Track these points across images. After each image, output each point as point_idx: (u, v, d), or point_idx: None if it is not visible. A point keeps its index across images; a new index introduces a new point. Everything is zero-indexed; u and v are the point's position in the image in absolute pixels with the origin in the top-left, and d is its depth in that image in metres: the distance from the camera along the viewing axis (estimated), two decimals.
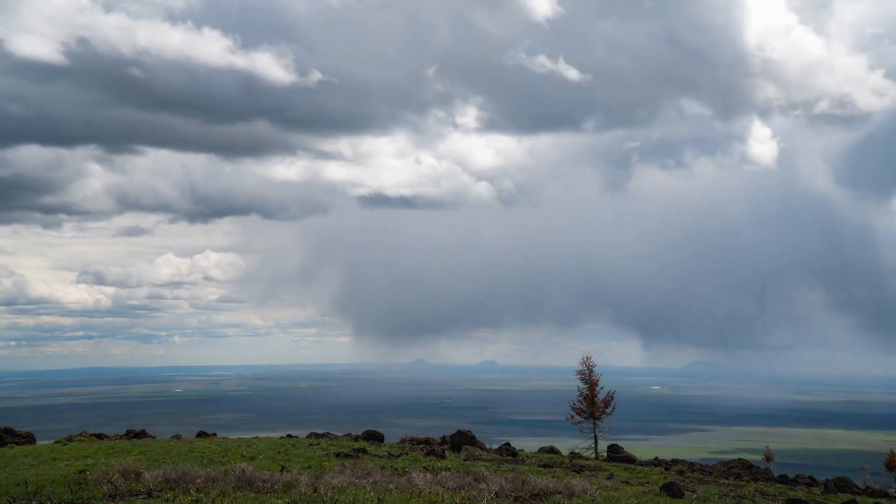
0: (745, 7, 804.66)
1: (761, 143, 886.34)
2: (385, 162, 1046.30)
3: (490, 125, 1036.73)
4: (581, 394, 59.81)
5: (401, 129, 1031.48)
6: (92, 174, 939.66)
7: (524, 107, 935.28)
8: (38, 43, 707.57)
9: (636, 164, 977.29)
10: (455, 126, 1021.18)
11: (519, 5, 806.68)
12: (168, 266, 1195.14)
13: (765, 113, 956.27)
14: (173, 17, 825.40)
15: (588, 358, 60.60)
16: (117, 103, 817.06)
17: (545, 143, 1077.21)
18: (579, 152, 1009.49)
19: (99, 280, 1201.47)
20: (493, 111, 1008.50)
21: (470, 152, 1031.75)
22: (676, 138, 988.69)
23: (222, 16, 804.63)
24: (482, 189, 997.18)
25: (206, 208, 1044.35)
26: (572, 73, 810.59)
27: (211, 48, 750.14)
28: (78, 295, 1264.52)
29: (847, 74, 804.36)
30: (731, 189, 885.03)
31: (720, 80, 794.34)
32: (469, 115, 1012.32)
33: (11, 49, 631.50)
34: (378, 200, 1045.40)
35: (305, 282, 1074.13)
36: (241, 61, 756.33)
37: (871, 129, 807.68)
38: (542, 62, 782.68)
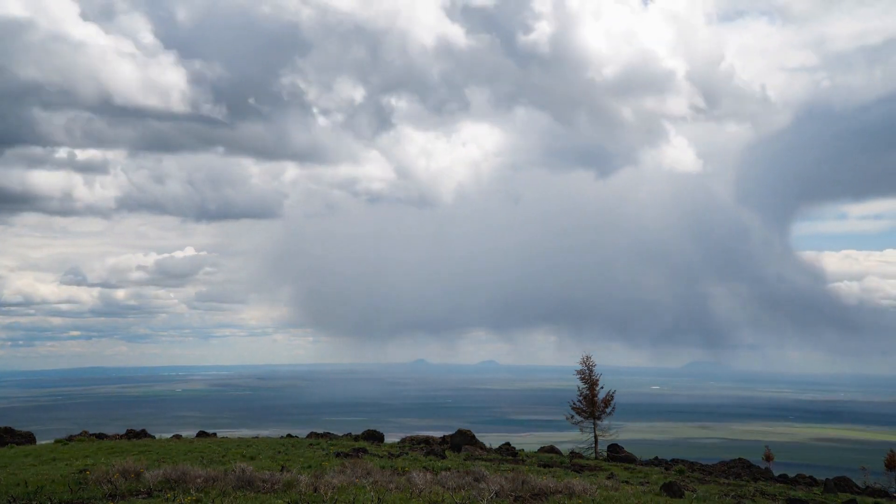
0: None
1: None
2: None
3: None
4: (581, 393, 59.86)
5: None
6: (91, 175, 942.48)
7: None
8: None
9: None
10: None
11: None
12: (167, 266, 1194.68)
13: None
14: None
15: (588, 358, 60.65)
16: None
17: None
18: None
19: (97, 281, 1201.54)
20: None
21: None
22: None
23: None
24: None
25: (205, 210, 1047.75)
26: None
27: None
28: (76, 295, 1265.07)
29: None
30: None
31: None
32: None
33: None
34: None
35: (304, 282, 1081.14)
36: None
37: None
38: None
